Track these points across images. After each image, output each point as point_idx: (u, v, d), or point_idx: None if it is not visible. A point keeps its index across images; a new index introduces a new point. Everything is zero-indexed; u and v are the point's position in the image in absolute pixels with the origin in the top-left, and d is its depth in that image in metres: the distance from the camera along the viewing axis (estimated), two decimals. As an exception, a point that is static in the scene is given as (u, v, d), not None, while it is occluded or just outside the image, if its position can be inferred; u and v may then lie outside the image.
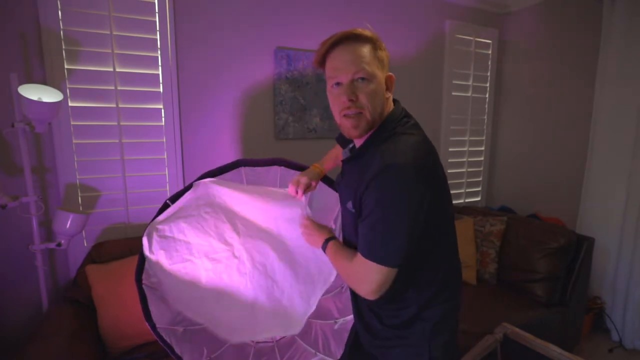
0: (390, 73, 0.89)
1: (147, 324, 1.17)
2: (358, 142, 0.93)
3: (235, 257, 1.28)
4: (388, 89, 0.89)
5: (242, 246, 1.28)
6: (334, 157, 1.23)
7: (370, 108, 0.85)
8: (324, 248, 1.01)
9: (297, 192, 1.12)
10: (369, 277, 0.82)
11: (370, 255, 0.81)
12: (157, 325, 1.19)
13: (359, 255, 0.84)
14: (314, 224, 1.10)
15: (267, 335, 1.35)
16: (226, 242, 1.27)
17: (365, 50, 0.84)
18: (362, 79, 0.84)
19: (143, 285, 1.19)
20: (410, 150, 0.81)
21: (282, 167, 1.30)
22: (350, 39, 0.84)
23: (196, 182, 1.21)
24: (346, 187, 0.94)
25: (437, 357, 0.93)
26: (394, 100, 0.94)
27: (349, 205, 0.90)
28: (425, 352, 0.93)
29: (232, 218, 1.27)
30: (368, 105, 0.85)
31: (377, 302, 0.90)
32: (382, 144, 0.85)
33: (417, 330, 0.93)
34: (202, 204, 1.24)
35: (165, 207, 1.22)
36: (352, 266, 0.88)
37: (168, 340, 1.20)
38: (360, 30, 0.84)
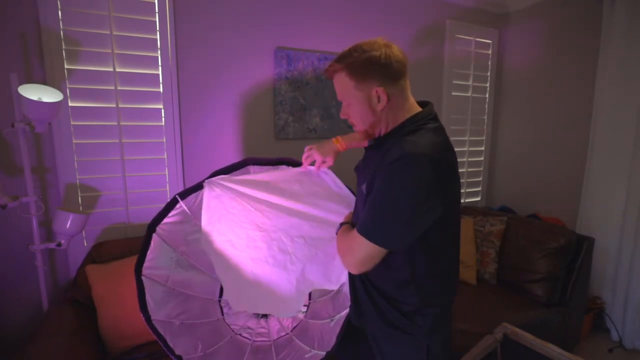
0: (377, 88, 0.89)
1: (142, 315, 1.18)
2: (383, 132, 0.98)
3: (273, 239, 1.32)
4: (379, 101, 0.91)
5: (276, 227, 1.32)
6: (358, 138, 1.25)
7: (360, 123, 0.96)
8: (337, 231, 1.07)
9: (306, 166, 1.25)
10: (356, 249, 0.88)
11: (363, 231, 0.86)
12: (153, 317, 1.20)
13: (356, 234, 0.89)
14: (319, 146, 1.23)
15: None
16: (260, 229, 1.31)
17: (340, 80, 0.93)
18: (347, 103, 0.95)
19: (142, 277, 1.21)
20: (431, 144, 0.84)
21: (290, 167, 1.35)
22: (329, 74, 0.96)
23: (208, 180, 1.25)
24: (364, 170, 0.99)
25: (436, 351, 0.95)
26: (425, 103, 0.98)
27: (363, 187, 0.93)
28: (424, 345, 0.95)
29: (259, 205, 1.31)
30: (357, 121, 0.96)
31: (377, 291, 0.96)
32: (406, 135, 0.89)
33: (417, 324, 0.94)
34: (226, 201, 1.29)
35: (174, 202, 1.26)
36: (346, 237, 0.95)
37: (162, 333, 1.21)
38: (331, 65, 0.94)
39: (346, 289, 1.31)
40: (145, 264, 1.23)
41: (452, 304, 1.01)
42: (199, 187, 1.27)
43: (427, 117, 0.93)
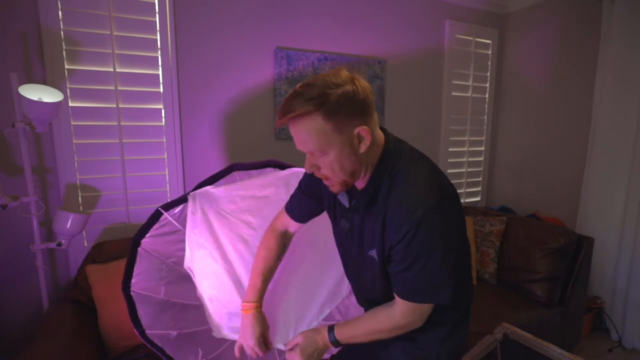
0: (361, 127, 0.75)
1: (135, 329, 1.17)
2: (358, 184, 0.86)
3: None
4: (362, 142, 0.77)
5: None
6: (261, 268, 1.06)
7: (336, 175, 0.79)
8: (333, 338, 0.92)
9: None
10: (424, 315, 0.84)
11: (426, 299, 0.82)
12: (147, 331, 1.19)
13: (403, 305, 0.83)
14: (305, 337, 0.94)
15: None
16: (246, 241, 1.27)
17: (309, 126, 0.74)
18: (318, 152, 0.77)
19: (132, 292, 1.19)
20: (426, 187, 0.78)
21: (276, 169, 1.33)
22: (290, 119, 0.75)
23: (192, 194, 1.22)
24: (363, 235, 0.87)
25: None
26: (383, 129, 0.86)
27: (372, 253, 0.85)
28: (434, 356, 0.91)
29: (243, 216, 1.28)
30: (331, 174, 0.79)
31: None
32: (392, 185, 0.80)
33: (429, 334, 0.91)
34: (212, 215, 1.25)
35: (157, 214, 1.22)
36: (394, 320, 0.85)
37: (160, 345, 1.20)
38: (295, 108, 0.73)
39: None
40: (134, 280, 1.20)
41: (469, 314, 0.98)
42: (183, 200, 1.24)
43: (396, 143, 0.85)
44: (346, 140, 0.76)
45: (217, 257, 1.24)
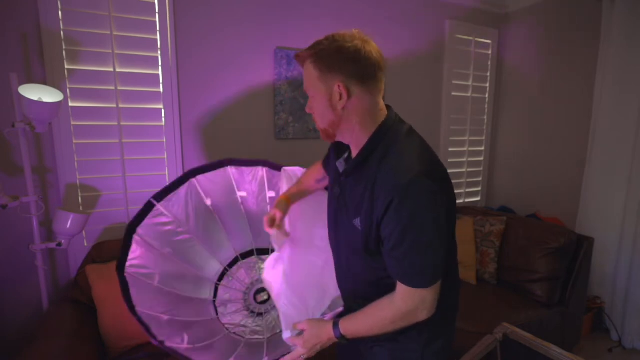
0: (339, 82, 0.80)
1: (125, 304, 1.18)
2: (354, 152, 0.89)
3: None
4: (341, 98, 0.81)
5: None
6: (303, 185, 1.18)
7: (319, 121, 0.88)
8: (338, 334, 0.89)
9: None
10: (426, 302, 0.79)
11: (422, 282, 0.78)
12: (138, 309, 1.20)
13: (402, 290, 0.80)
14: (310, 327, 0.94)
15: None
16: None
17: (307, 69, 0.86)
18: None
19: (125, 274, 1.21)
20: (418, 158, 0.78)
21: (267, 168, 1.36)
22: (299, 61, 0.89)
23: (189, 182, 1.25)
24: (351, 202, 0.87)
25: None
26: (387, 106, 0.89)
27: (356, 222, 0.85)
28: (418, 358, 0.89)
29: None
30: (318, 117, 0.88)
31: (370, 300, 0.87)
32: (385, 154, 0.81)
33: (413, 334, 0.88)
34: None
35: (149, 206, 1.25)
36: (396, 306, 0.81)
37: (147, 322, 1.20)
38: (301, 52, 0.87)
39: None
40: (129, 263, 1.23)
41: (455, 311, 0.96)
42: (176, 185, 1.27)
43: (397, 121, 0.87)
44: (327, 92, 0.82)
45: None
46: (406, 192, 0.73)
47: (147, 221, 1.27)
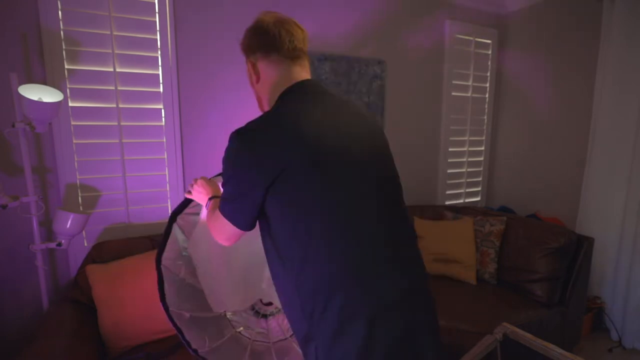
0: (248, 60, 0.90)
1: (161, 305, 1.19)
2: None
3: None
4: (251, 73, 0.90)
5: None
6: None
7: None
8: (207, 205, 1.03)
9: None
10: (219, 227, 0.86)
11: (221, 209, 0.84)
12: (171, 309, 1.21)
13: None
14: (205, 180, 1.09)
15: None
16: None
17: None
18: None
19: (162, 267, 1.22)
20: (260, 118, 0.79)
21: None
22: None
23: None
24: None
25: None
26: (304, 80, 0.88)
27: None
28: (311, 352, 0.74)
29: None
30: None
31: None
32: None
33: (310, 353, 0.75)
34: None
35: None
36: (215, 218, 0.89)
37: (178, 324, 1.21)
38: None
39: None
40: (165, 254, 1.24)
41: (378, 342, 0.71)
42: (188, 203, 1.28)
43: (299, 90, 0.84)
44: (247, 72, 0.92)
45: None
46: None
47: (188, 210, 1.27)
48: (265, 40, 0.84)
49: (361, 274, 0.74)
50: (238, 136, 0.77)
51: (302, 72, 0.88)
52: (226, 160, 0.79)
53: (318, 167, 0.74)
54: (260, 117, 0.80)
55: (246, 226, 0.82)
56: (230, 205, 0.82)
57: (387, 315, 0.73)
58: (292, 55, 0.85)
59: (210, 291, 1.31)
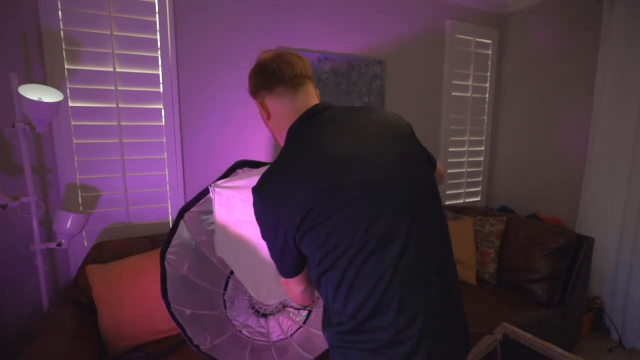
0: (256, 100, 0.91)
1: (163, 301, 1.20)
2: None
3: None
4: (261, 111, 0.91)
5: None
6: None
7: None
8: None
9: None
10: (284, 285, 0.93)
11: (279, 271, 0.88)
12: (173, 306, 1.21)
13: None
14: None
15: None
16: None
17: None
18: None
19: (165, 262, 1.22)
20: (269, 169, 0.80)
21: None
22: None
23: (211, 188, 1.25)
24: None
25: None
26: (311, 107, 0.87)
27: None
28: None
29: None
30: None
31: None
32: None
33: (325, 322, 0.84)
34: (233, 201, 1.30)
35: (206, 191, 1.27)
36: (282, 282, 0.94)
37: (182, 322, 1.22)
38: None
39: None
40: (170, 249, 1.25)
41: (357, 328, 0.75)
42: (228, 173, 1.29)
43: (300, 122, 0.83)
44: (258, 110, 0.91)
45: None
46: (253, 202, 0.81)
47: (196, 207, 1.28)
48: (266, 76, 0.84)
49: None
50: (257, 195, 0.79)
51: (308, 99, 0.86)
52: (256, 219, 0.82)
53: (334, 206, 0.72)
54: (272, 165, 0.81)
55: (292, 272, 0.86)
56: (276, 261, 0.85)
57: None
58: (295, 83, 0.85)
59: (255, 285, 1.32)
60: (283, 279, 0.89)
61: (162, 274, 1.21)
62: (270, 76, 0.84)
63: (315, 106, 0.85)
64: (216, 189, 1.25)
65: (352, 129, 0.80)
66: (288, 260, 0.82)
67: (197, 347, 1.23)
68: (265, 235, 0.81)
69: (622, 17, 2.09)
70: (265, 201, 0.77)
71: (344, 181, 0.73)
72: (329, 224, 0.72)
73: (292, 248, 0.78)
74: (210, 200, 1.28)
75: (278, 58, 0.85)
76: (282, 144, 0.89)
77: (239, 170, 1.33)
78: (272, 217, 0.77)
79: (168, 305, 1.20)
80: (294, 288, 0.90)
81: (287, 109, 0.85)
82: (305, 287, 0.90)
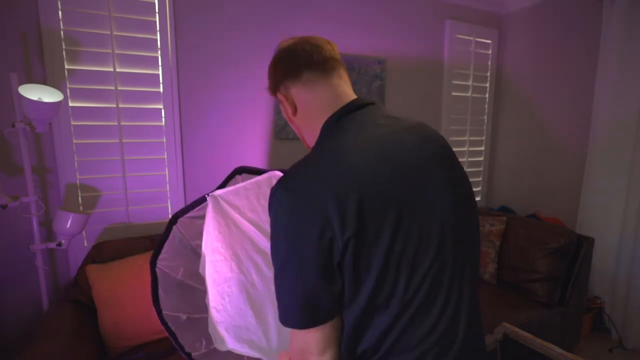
0: (279, 93, 0.75)
1: (154, 308, 1.18)
2: None
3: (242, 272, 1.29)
4: (284, 104, 0.75)
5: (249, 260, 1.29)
6: None
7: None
8: None
9: None
10: (310, 345, 0.59)
11: (293, 323, 0.59)
12: (164, 312, 1.20)
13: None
14: None
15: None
16: (259, 250, 1.29)
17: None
18: None
19: (157, 269, 1.21)
20: (301, 162, 0.60)
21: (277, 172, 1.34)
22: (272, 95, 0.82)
23: (212, 195, 1.24)
24: None
25: None
26: (353, 101, 0.71)
27: None
28: None
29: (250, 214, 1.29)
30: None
31: None
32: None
33: None
34: (229, 220, 1.28)
35: (202, 199, 1.25)
36: (290, 347, 0.63)
37: (172, 328, 1.21)
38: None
39: None
40: (161, 256, 1.23)
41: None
42: (226, 181, 1.28)
43: (342, 114, 0.67)
44: (282, 108, 0.76)
45: (232, 266, 1.25)
46: (269, 206, 0.59)
47: (191, 213, 1.27)
48: (291, 61, 0.70)
49: None
50: (283, 189, 0.61)
51: (342, 85, 0.72)
52: (272, 223, 0.63)
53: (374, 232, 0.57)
54: (305, 160, 0.62)
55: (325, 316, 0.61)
56: (294, 295, 0.62)
57: None
58: (325, 67, 0.70)
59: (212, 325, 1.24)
60: (298, 335, 0.59)
61: (153, 281, 1.20)
62: (295, 60, 0.70)
63: (358, 101, 0.70)
64: (213, 200, 1.24)
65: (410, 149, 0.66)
66: (304, 291, 0.57)
67: (188, 354, 1.21)
68: (281, 260, 0.59)
69: (622, 17, 2.09)
70: (297, 197, 0.57)
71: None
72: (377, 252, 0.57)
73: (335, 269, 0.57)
74: (205, 207, 1.27)
75: (303, 41, 0.72)
76: (311, 143, 0.71)
77: (238, 177, 1.32)
78: (302, 219, 0.56)
79: (159, 312, 1.19)
80: (317, 341, 0.58)
81: (319, 97, 0.69)
82: (332, 354, 0.60)
